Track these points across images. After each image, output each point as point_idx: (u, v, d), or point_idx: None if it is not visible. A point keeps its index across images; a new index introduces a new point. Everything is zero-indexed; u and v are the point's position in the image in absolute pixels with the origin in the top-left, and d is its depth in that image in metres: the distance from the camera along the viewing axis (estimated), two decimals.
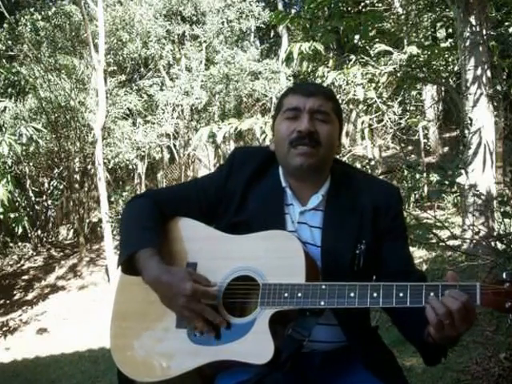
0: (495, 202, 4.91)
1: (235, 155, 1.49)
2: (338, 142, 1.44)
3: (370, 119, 6.44)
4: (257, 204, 1.40)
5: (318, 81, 6.04)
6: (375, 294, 1.16)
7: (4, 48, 11.53)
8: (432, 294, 1.11)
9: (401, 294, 1.14)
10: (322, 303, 1.19)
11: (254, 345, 1.21)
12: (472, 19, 5.12)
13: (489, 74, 5.17)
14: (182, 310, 1.26)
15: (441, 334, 1.10)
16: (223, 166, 1.50)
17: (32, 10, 11.44)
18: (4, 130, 9.21)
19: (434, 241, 5.03)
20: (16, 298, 9.19)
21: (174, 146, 12.10)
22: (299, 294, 1.21)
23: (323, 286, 1.20)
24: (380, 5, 7.64)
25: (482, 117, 5.10)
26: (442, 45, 7.26)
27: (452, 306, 1.07)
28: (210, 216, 1.45)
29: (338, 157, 1.52)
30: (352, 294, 1.17)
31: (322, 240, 1.35)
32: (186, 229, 1.44)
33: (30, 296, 9.20)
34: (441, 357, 1.27)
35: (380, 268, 1.36)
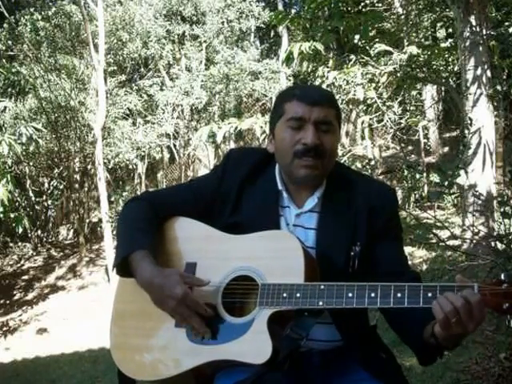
0: (495, 202, 4.91)
1: (230, 156, 1.49)
2: (337, 149, 1.45)
3: (370, 119, 6.43)
4: (252, 206, 1.41)
5: (318, 81, 6.04)
6: (373, 294, 1.16)
7: (4, 48, 11.52)
8: (430, 294, 1.11)
9: (399, 295, 1.14)
10: (321, 303, 1.19)
11: (253, 344, 1.21)
12: (472, 19, 5.11)
13: (489, 73, 5.17)
14: (172, 312, 1.27)
15: (449, 331, 1.10)
16: (218, 166, 1.50)
17: (32, 10, 11.44)
18: (4, 129, 9.20)
19: (434, 241, 5.02)
20: (16, 297, 9.18)
21: (174, 145, 12.09)
22: (298, 294, 1.21)
23: (322, 286, 1.20)
24: (380, 5, 7.64)
25: (482, 117, 5.09)
26: (442, 45, 7.26)
27: (456, 303, 1.06)
28: (206, 217, 1.45)
29: (338, 156, 1.53)
30: (350, 294, 1.17)
31: (317, 241, 1.36)
32: (185, 228, 1.44)
33: (29, 296, 9.20)
34: (437, 356, 1.26)
35: (374, 269, 1.36)
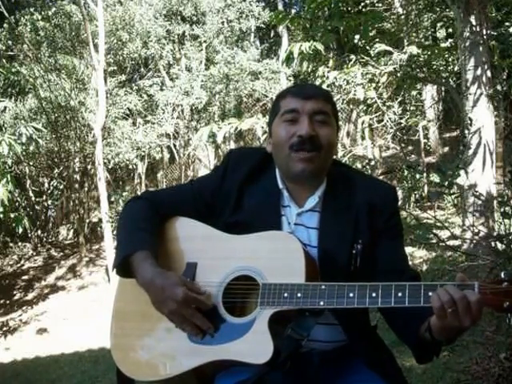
0: (495, 202, 4.91)
1: (230, 156, 1.49)
2: (336, 144, 1.44)
3: (370, 119, 6.43)
4: (253, 205, 1.40)
5: (319, 81, 6.04)
6: (374, 294, 1.16)
7: (4, 48, 11.52)
8: (430, 293, 1.11)
9: (399, 294, 1.14)
10: (322, 303, 1.19)
11: (254, 344, 1.21)
12: (472, 19, 5.11)
13: (489, 74, 5.17)
14: (172, 314, 1.27)
15: (444, 322, 1.10)
16: (219, 166, 1.50)
17: (32, 9, 11.43)
18: (4, 129, 9.20)
19: (434, 241, 5.03)
20: (16, 297, 9.18)
21: (174, 145, 12.08)
22: (299, 294, 1.21)
23: (323, 286, 1.20)
24: (380, 5, 7.64)
25: (482, 117, 5.09)
26: (442, 45, 7.27)
27: (455, 295, 1.07)
28: (207, 217, 1.45)
29: (338, 156, 1.52)
30: (351, 294, 1.17)
31: (319, 240, 1.36)
32: (186, 228, 1.44)
33: (29, 296, 9.19)
34: (433, 355, 1.27)
35: (374, 267, 1.35)
